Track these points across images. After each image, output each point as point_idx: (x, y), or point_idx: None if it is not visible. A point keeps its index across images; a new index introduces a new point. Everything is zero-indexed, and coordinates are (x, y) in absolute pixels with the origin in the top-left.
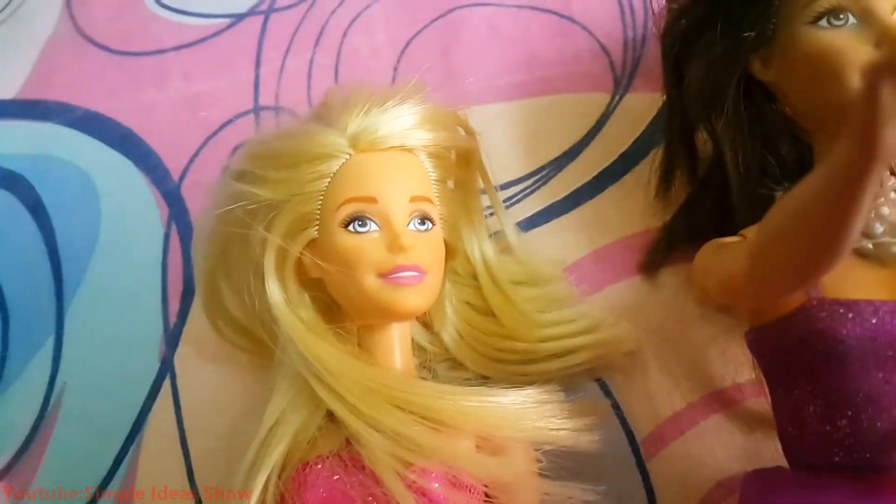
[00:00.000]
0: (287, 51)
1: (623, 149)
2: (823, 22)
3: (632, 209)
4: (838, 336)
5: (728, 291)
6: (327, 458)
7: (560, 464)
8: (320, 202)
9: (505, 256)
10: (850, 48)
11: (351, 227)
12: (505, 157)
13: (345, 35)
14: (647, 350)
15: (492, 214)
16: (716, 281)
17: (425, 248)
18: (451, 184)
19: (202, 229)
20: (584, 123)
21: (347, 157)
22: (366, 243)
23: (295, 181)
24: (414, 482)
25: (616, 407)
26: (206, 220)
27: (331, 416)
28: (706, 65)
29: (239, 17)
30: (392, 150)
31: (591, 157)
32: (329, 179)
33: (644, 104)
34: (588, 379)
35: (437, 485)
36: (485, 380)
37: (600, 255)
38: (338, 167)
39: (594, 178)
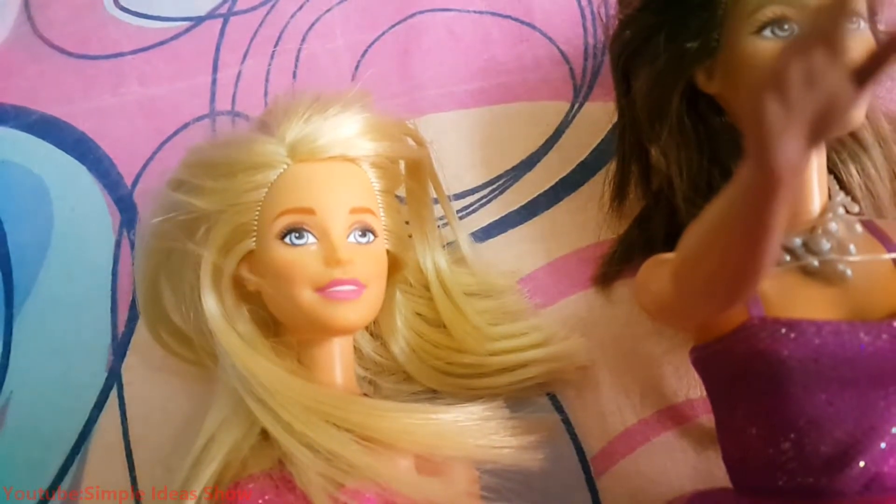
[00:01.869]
0: (245, 55)
1: (581, 158)
2: (767, 32)
3: (588, 220)
4: (780, 357)
5: (660, 310)
6: (259, 477)
7: (506, 483)
8: (257, 213)
9: (458, 267)
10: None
11: (287, 240)
12: (462, 166)
13: (304, 39)
14: (600, 364)
15: (446, 224)
16: (649, 298)
17: (365, 261)
18: (401, 193)
19: (143, 238)
20: (543, 132)
21: (285, 166)
22: (302, 256)
23: (231, 191)
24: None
25: (567, 422)
26: (147, 230)
27: (265, 433)
28: (651, 76)
29: (198, 21)
30: (333, 160)
31: (548, 167)
32: (266, 190)
33: (603, 113)
34: (539, 393)
35: None
36: (434, 393)
37: (555, 267)
38: (275, 177)
39: (551, 187)
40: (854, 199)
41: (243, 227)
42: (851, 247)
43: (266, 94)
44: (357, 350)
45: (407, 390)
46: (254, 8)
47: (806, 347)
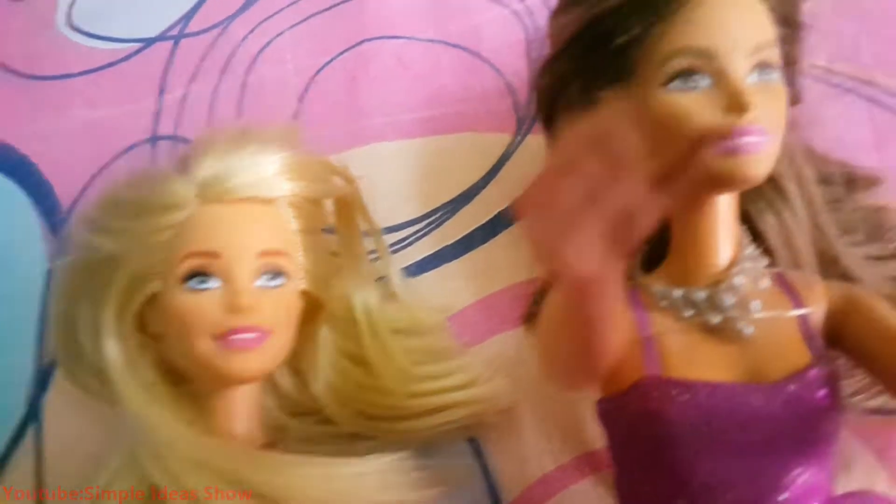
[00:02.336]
0: (192, 78)
1: (520, 192)
2: (676, 83)
3: (523, 257)
4: (670, 418)
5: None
6: None
7: None
8: (163, 255)
9: (388, 303)
10: (700, 110)
11: (191, 284)
12: (401, 197)
13: (252, 63)
14: (523, 407)
15: (378, 259)
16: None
17: (272, 306)
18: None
19: (59, 275)
20: (484, 164)
21: (194, 207)
22: (203, 302)
23: (136, 232)
24: None
25: (485, 468)
26: (62, 267)
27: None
28: (568, 122)
29: (148, 42)
30: (246, 202)
31: (486, 200)
32: (173, 231)
33: (544, 147)
34: (462, 437)
35: None
36: (353, 436)
37: (487, 304)
38: (183, 218)
39: (488, 221)
40: (770, 251)
41: (148, 269)
42: (754, 303)
43: (211, 119)
44: (276, 388)
45: (324, 432)
46: (205, 30)
47: (697, 410)
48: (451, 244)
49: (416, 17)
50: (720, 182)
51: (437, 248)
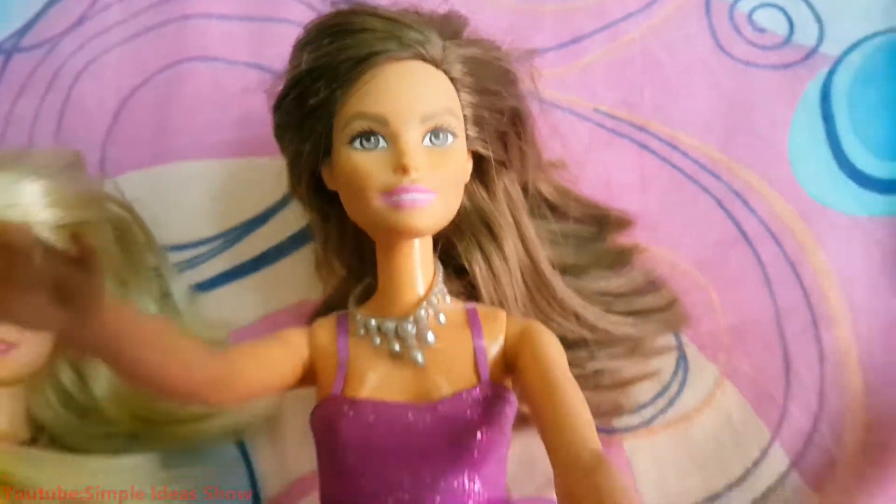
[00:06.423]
0: (19, 94)
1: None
2: (357, 143)
3: (307, 277)
4: (339, 431)
5: None
6: None
7: None
8: None
9: (173, 317)
10: (374, 169)
11: None
12: (200, 215)
13: (76, 80)
14: (288, 416)
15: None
16: None
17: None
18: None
19: None
20: (282, 187)
21: None
22: None
23: None
24: None
25: (250, 469)
26: None
27: None
28: (287, 165)
29: None
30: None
31: (281, 222)
32: None
33: None
34: (230, 441)
35: None
36: (131, 436)
37: (271, 320)
38: None
39: (281, 242)
40: (476, 287)
41: None
42: (429, 334)
43: (31, 136)
44: (60, 388)
45: (104, 431)
46: (36, 46)
47: (360, 425)
48: (243, 263)
49: (233, 41)
50: (389, 230)
51: (229, 266)
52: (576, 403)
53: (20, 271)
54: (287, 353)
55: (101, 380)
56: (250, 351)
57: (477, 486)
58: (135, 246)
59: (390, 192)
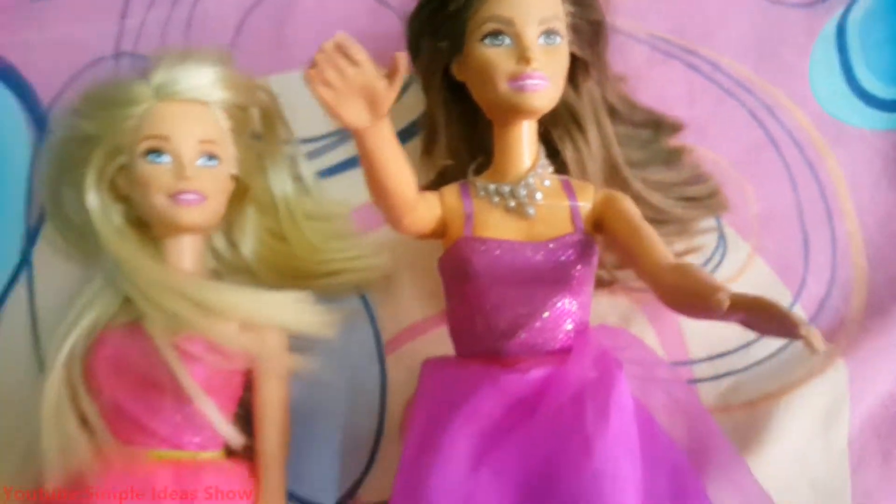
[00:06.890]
0: (149, 7)
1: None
2: (488, 40)
3: (412, 165)
4: (472, 262)
5: None
6: (118, 328)
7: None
8: (129, 136)
9: (304, 196)
10: (501, 62)
11: (150, 157)
12: (317, 117)
13: None
14: (403, 275)
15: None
16: None
17: (208, 180)
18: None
19: (50, 150)
20: None
21: (151, 103)
22: (158, 171)
23: (109, 119)
24: (179, 345)
25: (371, 316)
26: (52, 143)
27: (127, 300)
28: (421, 64)
29: None
30: (189, 102)
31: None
32: (136, 120)
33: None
34: (356, 293)
35: (197, 348)
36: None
37: None
38: (142, 111)
39: None
40: (567, 168)
41: (118, 146)
42: (538, 194)
43: (163, 41)
44: (214, 250)
45: (249, 284)
46: None
47: (489, 256)
48: (355, 155)
49: None
50: (514, 109)
51: (344, 158)
52: (655, 235)
53: (355, 78)
54: (431, 205)
55: (247, 245)
56: (421, 195)
57: (574, 306)
58: (276, 133)
59: (515, 78)
